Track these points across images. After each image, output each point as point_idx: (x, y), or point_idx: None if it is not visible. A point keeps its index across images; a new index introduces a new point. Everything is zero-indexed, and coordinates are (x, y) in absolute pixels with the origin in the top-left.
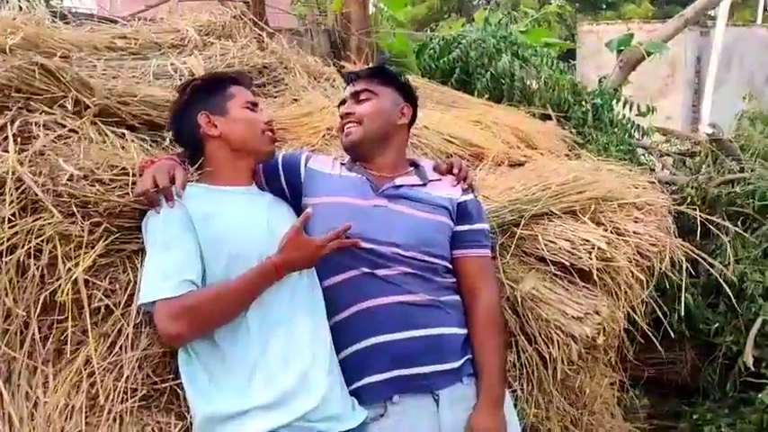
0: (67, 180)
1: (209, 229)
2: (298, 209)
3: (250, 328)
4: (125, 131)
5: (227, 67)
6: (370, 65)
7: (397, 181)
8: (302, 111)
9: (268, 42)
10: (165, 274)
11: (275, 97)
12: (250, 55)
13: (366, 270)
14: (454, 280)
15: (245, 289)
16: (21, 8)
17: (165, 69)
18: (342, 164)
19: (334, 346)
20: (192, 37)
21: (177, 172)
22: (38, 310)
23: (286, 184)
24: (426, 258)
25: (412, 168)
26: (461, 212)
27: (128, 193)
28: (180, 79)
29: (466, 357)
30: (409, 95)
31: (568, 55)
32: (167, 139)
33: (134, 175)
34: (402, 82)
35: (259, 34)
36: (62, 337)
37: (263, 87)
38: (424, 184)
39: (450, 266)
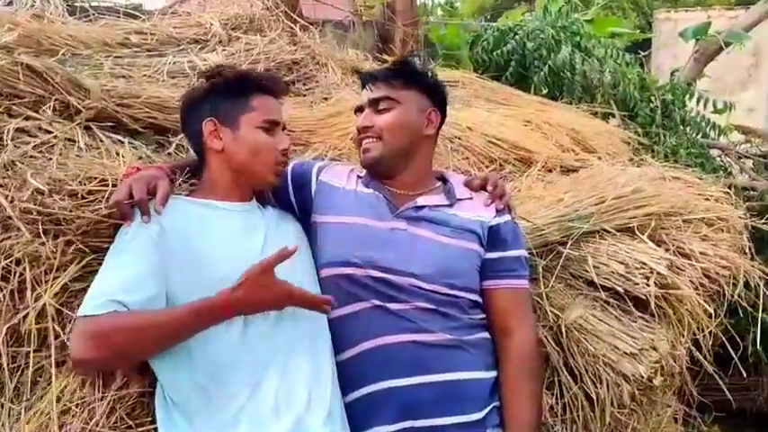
0: (37, 194)
1: (187, 251)
2: (308, 225)
3: (238, 366)
4: (125, 137)
5: (252, 64)
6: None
7: (420, 201)
8: (331, 110)
9: (300, 36)
10: (98, 291)
11: (304, 95)
12: (278, 50)
13: (378, 303)
14: (482, 316)
15: (178, 323)
16: (33, 3)
17: (182, 67)
18: (359, 176)
19: (340, 389)
20: (216, 31)
21: (159, 183)
22: (8, 339)
23: (294, 198)
24: (449, 292)
25: (439, 185)
26: (494, 237)
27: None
28: (198, 78)
29: (492, 406)
30: (437, 96)
31: (644, 46)
32: (173, 145)
33: (114, 186)
34: (429, 81)
35: (291, 27)
36: (36, 370)
37: (291, 85)
38: (451, 205)
39: (479, 300)
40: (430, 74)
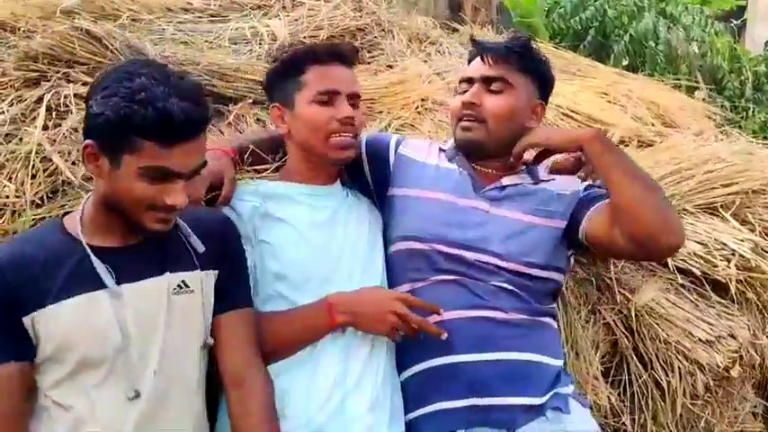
0: None
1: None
2: (382, 199)
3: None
4: None
5: (316, 30)
6: (514, 35)
7: (504, 181)
8: (395, 78)
9: (365, 2)
10: None
11: (368, 63)
12: (342, 16)
13: (451, 278)
14: (552, 305)
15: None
16: None
17: (244, 33)
18: (441, 149)
19: (401, 362)
20: None
21: (225, 179)
22: None
23: (370, 170)
24: (528, 272)
25: (523, 167)
26: (584, 202)
27: None
28: (259, 44)
29: (554, 392)
30: (548, 89)
31: (738, 15)
32: (233, 114)
33: None
34: (545, 71)
35: None
36: None
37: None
38: (536, 183)
39: (553, 285)
40: (546, 63)
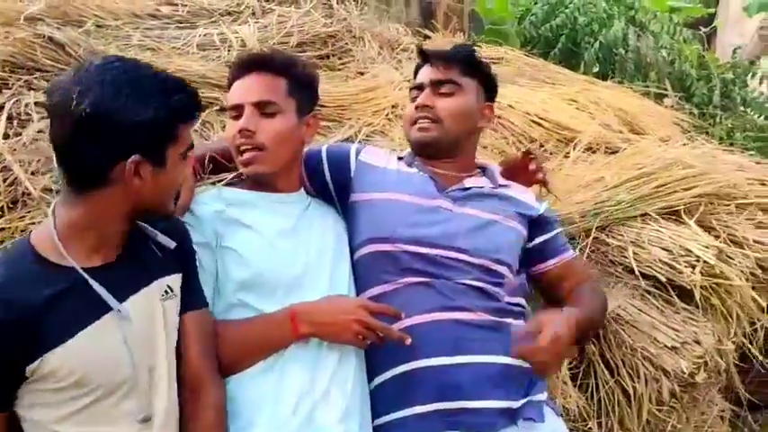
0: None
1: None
2: (345, 207)
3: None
4: None
5: (286, 37)
6: (457, 42)
7: (467, 182)
8: (366, 85)
9: (336, 9)
10: None
11: (339, 70)
12: (313, 23)
13: (418, 279)
14: (521, 301)
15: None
16: None
17: (212, 39)
18: (399, 158)
19: (371, 368)
20: (250, 2)
21: (183, 187)
22: None
23: (331, 180)
24: (496, 268)
25: (479, 170)
26: (540, 222)
27: None
28: (228, 51)
29: (528, 399)
30: (493, 92)
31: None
32: (199, 120)
33: None
34: (489, 75)
35: (327, 0)
36: None
37: (326, 59)
38: (494, 188)
39: (520, 281)
40: (489, 67)
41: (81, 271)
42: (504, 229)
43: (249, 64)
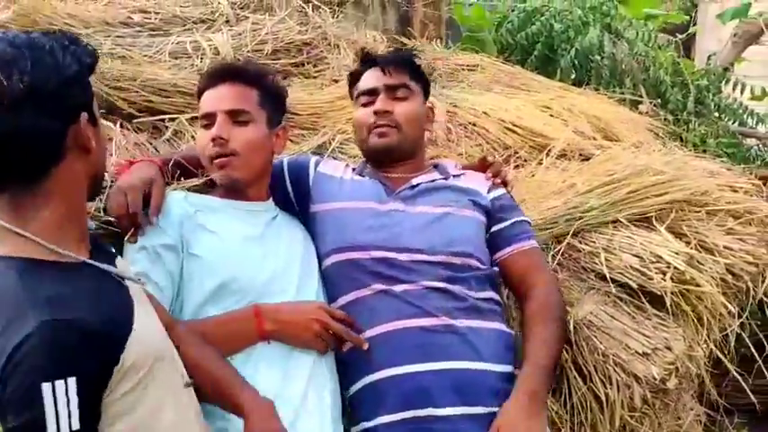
0: None
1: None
2: (306, 217)
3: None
4: (115, 122)
5: (260, 45)
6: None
7: (414, 180)
8: (341, 93)
9: (312, 16)
10: None
11: (314, 77)
12: (287, 31)
13: (382, 287)
14: (492, 296)
15: None
16: None
17: (185, 48)
18: (353, 168)
19: (344, 379)
20: (223, 10)
21: (154, 188)
22: None
23: (292, 189)
24: (454, 261)
25: (431, 167)
26: (496, 208)
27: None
28: (201, 59)
29: (499, 404)
30: (427, 95)
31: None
32: (170, 130)
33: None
34: (426, 79)
35: (303, 7)
36: None
37: (300, 66)
38: (446, 179)
39: (487, 271)
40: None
41: (91, 262)
42: (458, 220)
43: (222, 74)
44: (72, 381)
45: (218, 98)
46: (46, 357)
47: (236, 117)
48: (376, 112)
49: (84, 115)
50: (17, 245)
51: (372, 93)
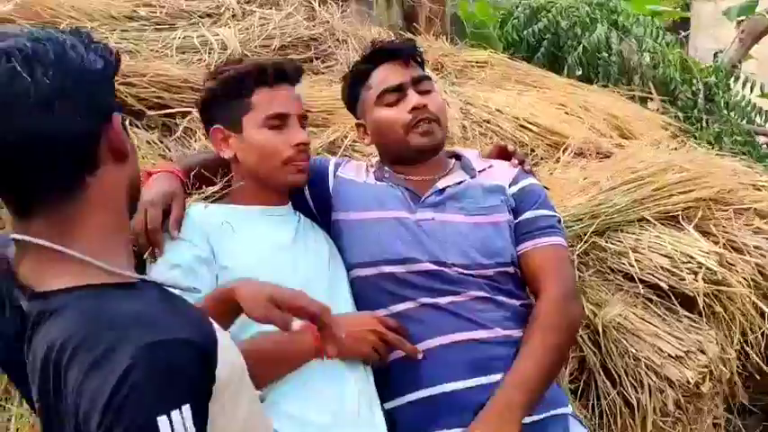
0: None
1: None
2: (326, 224)
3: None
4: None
5: (267, 40)
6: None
7: (440, 184)
8: None
9: (319, 11)
10: None
11: (322, 73)
12: (295, 25)
13: (426, 300)
14: (531, 301)
15: None
16: None
17: (192, 42)
18: (369, 169)
19: (384, 391)
20: (230, 4)
21: (175, 203)
22: None
23: (311, 195)
24: (497, 271)
25: (454, 162)
26: (522, 198)
27: None
28: (209, 54)
29: (551, 413)
30: None
31: (681, 26)
32: (181, 127)
33: None
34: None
35: (309, 2)
36: None
37: (309, 62)
38: (472, 177)
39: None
40: None
41: (152, 278)
42: (493, 229)
43: (289, 76)
44: (186, 408)
45: (291, 100)
46: (155, 387)
47: (304, 121)
48: (415, 108)
49: (118, 116)
50: (75, 274)
51: (399, 89)
